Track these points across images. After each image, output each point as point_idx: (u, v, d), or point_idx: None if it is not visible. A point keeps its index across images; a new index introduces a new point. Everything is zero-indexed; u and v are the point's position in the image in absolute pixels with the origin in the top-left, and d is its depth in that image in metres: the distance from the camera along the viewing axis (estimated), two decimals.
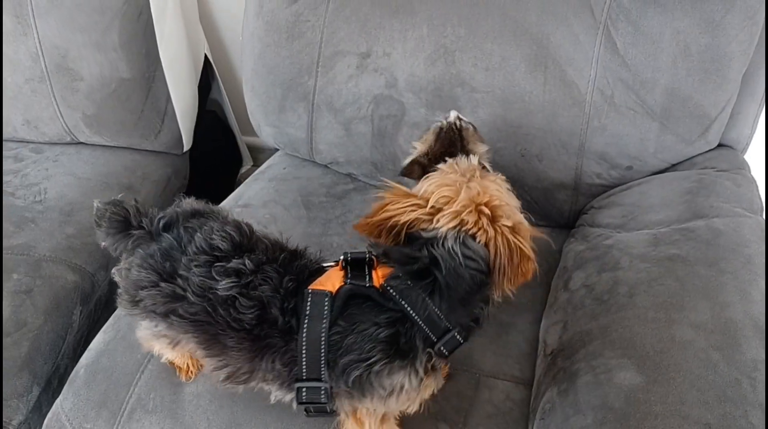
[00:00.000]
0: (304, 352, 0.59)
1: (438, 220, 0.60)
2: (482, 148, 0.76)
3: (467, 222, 0.60)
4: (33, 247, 0.96)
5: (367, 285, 0.60)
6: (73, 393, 0.80)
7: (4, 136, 1.17)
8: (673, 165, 0.91)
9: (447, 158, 0.69)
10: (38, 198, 1.05)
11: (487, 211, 0.60)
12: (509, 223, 0.60)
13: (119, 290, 0.66)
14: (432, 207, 0.61)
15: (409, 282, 0.59)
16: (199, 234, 0.62)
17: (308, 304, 0.59)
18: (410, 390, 0.61)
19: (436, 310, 0.59)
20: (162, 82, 1.15)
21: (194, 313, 0.60)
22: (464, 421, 0.73)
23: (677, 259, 0.74)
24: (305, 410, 0.64)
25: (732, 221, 0.79)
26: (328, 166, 1.13)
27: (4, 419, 0.83)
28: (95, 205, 0.68)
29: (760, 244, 0.75)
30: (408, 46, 0.97)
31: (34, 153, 1.15)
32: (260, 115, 1.13)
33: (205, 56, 1.35)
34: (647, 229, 0.82)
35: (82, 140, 1.16)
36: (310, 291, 0.60)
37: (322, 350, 0.59)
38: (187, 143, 1.25)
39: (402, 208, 0.62)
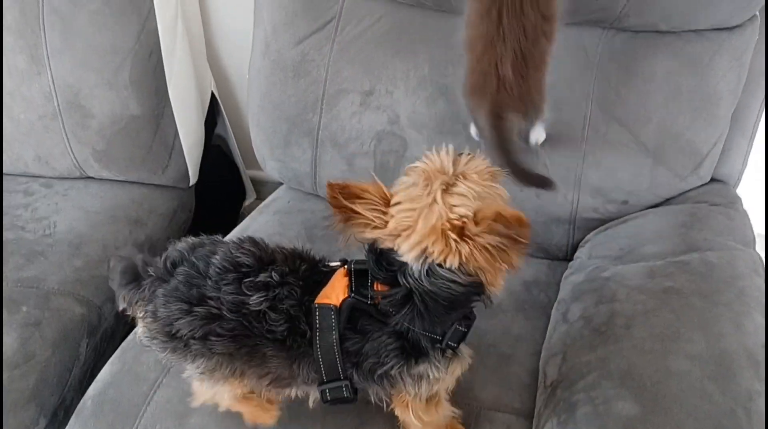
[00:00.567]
0: (320, 360, 0.64)
1: (399, 247, 0.60)
2: None
3: (432, 252, 0.58)
4: (42, 280, 0.98)
5: (369, 302, 0.64)
6: (80, 424, 0.81)
7: (16, 171, 1.20)
8: (668, 199, 0.94)
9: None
10: (48, 231, 1.07)
11: (453, 234, 0.58)
12: (483, 227, 0.57)
13: (148, 335, 0.67)
14: (393, 230, 0.60)
15: (396, 307, 0.62)
16: (216, 256, 0.65)
17: (317, 318, 0.64)
18: (437, 377, 0.66)
19: (426, 326, 0.62)
20: (170, 118, 1.19)
21: (232, 328, 0.63)
22: None
23: (673, 292, 0.76)
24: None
25: (726, 254, 0.81)
26: None
27: None
28: (109, 263, 0.71)
29: (753, 276, 0.77)
30: (410, 85, 1.01)
31: (44, 187, 1.18)
32: (265, 150, 1.16)
33: (212, 93, 1.39)
34: (643, 261, 0.85)
35: (91, 175, 1.19)
36: (317, 306, 0.64)
37: (337, 356, 0.64)
38: (193, 177, 1.28)
39: (367, 218, 0.61)
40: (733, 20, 0.83)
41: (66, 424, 0.82)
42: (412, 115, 1.01)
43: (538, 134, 0.90)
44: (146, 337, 0.68)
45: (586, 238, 0.98)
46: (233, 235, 1.09)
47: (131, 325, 0.75)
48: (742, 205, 0.92)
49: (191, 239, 0.71)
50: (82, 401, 0.84)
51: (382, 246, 0.62)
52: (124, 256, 0.69)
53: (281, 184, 1.24)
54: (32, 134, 1.15)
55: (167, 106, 1.18)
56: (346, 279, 0.65)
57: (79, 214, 1.12)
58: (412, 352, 0.64)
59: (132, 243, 1.11)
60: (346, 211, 0.62)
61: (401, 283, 0.61)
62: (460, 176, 0.62)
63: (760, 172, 1.11)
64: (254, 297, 0.62)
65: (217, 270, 0.64)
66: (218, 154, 1.53)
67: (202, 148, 1.33)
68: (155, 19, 1.11)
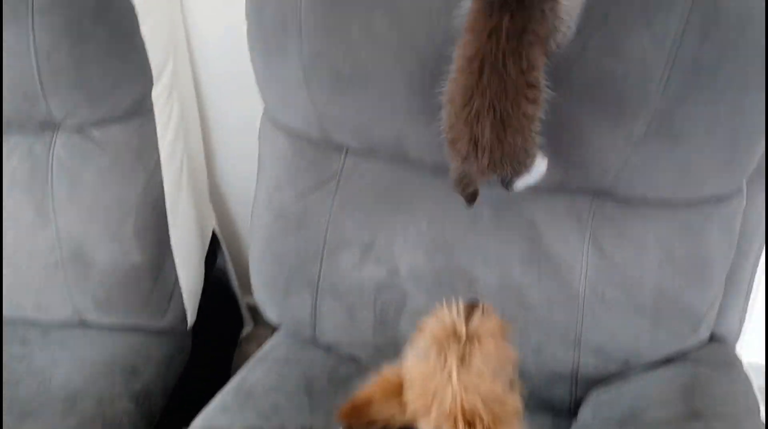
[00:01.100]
0: None
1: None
2: None
3: None
4: None
5: None
6: None
7: (14, 317, 1.20)
8: (669, 359, 0.94)
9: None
10: (42, 387, 1.06)
11: (462, 424, 0.58)
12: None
13: None
14: (411, 415, 0.61)
15: None
16: None
17: None
18: None
19: None
20: (171, 265, 1.20)
21: None
22: None
23: None
24: None
25: (729, 424, 0.81)
26: (331, 347, 1.15)
27: None
28: None
29: None
30: (409, 239, 1.03)
31: (41, 336, 1.17)
32: (265, 297, 1.17)
33: (213, 231, 1.41)
34: (647, 428, 0.84)
35: (89, 322, 1.19)
36: None
37: None
38: (191, 319, 1.28)
39: (385, 418, 0.62)
40: (722, 192, 0.87)
41: None
42: (411, 268, 1.03)
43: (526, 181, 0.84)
44: None
45: (590, 394, 0.97)
46: (229, 389, 1.07)
47: None
48: (742, 366, 0.92)
49: None
50: None
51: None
52: None
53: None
54: (34, 283, 1.16)
55: (168, 254, 1.19)
56: None
57: (75, 365, 1.11)
58: None
59: (127, 396, 1.09)
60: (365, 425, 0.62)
61: None
62: (475, 341, 0.62)
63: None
64: None
65: None
66: (217, 287, 1.53)
67: (201, 289, 1.33)
68: (161, 172, 1.15)
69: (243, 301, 1.61)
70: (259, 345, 1.19)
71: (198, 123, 1.35)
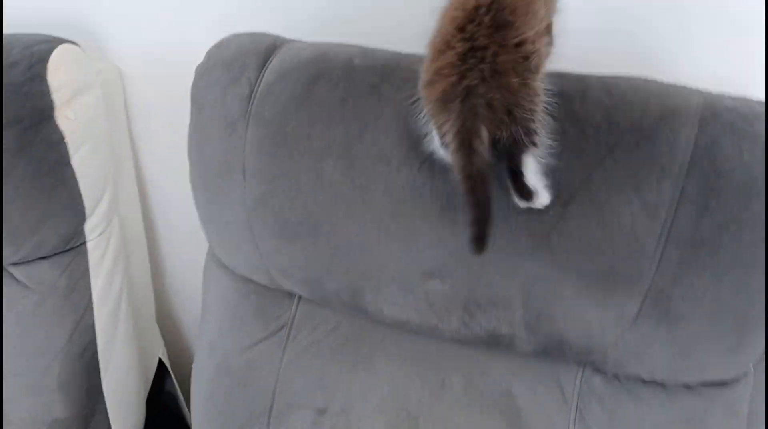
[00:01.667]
0: None
1: None
2: None
3: None
4: None
5: None
6: None
7: None
8: None
9: None
10: None
11: None
12: None
13: None
14: None
15: None
16: None
17: None
18: None
19: None
20: (103, 414, 1.06)
21: None
22: None
23: None
24: None
25: None
26: None
27: None
28: None
29: None
30: (367, 406, 0.89)
31: None
32: None
33: (159, 359, 1.27)
34: None
35: None
36: None
37: None
38: None
39: None
40: (727, 376, 0.74)
41: None
42: None
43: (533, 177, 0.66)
44: None
45: None
46: None
47: None
48: None
49: None
50: None
51: None
52: None
53: None
54: None
55: (100, 401, 1.05)
56: None
57: None
58: None
59: None
60: None
61: None
62: None
63: None
64: None
65: None
66: (165, 412, 1.38)
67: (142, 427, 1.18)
68: (93, 313, 1.02)
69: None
70: None
71: (144, 243, 1.23)
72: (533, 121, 0.62)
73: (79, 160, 0.94)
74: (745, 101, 0.69)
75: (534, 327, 0.75)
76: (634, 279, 0.69)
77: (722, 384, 0.74)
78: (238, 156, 0.82)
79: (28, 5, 1.07)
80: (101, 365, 1.04)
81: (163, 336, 1.32)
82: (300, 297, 0.93)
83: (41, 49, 0.92)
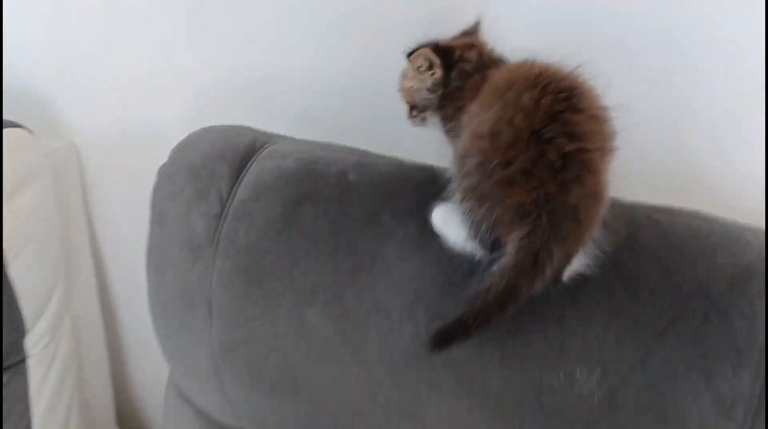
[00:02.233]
0: None
1: None
2: None
3: None
4: None
5: None
6: None
7: None
8: None
9: None
10: None
11: None
12: None
13: None
14: None
15: None
16: None
17: None
18: None
19: None
20: None
21: None
22: None
23: None
24: None
25: None
26: None
27: None
28: None
29: None
30: None
31: None
32: None
33: None
34: None
35: None
36: None
37: None
38: None
39: None
40: None
41: None
42: None
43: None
44: None
45: None
46: None
47: None
48: None
49: None
50: None
51: None
52: None
53: None
54: None
55: None
56: None
57: None
58: None
59: None
60: None
61: None
62: None
63: None
64: None
65: None
66: None
67: None
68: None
69: None
70: None
71: (103, 345, 1.07)
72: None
73: (17, 271, 0.79)
74: None
75: None
76: None
77: None
78: (204, 288, 0.67)
79: None
80: None
81: None
82: None
83: None
